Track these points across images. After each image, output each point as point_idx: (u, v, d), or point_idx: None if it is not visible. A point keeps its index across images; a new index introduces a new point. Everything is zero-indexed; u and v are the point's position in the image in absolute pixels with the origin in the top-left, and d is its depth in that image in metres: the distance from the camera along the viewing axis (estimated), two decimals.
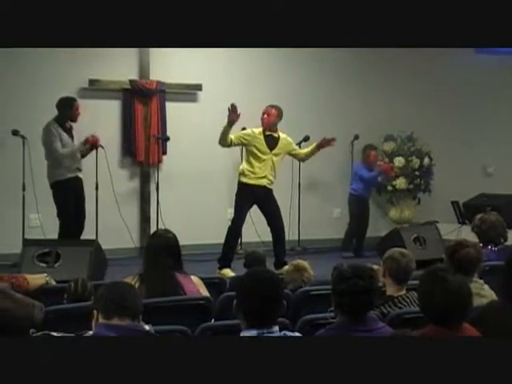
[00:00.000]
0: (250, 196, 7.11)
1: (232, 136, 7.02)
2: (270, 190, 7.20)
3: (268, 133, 7.18)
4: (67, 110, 7.10)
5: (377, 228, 9.03)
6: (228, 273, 6.82)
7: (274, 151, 7.16)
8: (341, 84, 9.18)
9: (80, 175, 7.21)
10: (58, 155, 6.99)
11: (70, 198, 7.10)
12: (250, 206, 7.23)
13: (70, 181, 7.08)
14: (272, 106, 7.28)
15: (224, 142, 6.98)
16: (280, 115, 7.28)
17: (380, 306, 3.77)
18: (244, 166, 7.16)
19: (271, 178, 7.16)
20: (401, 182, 9.04)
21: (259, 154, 7.09)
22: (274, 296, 2.83)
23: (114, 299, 2.80)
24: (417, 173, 9.14)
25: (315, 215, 8.95)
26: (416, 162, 9.10)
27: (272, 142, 7.18)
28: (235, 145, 7.17)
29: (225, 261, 7.09)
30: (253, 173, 7.08)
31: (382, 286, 3.88)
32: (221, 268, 7.03)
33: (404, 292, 3.93)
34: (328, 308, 3.17)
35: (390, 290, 3.95)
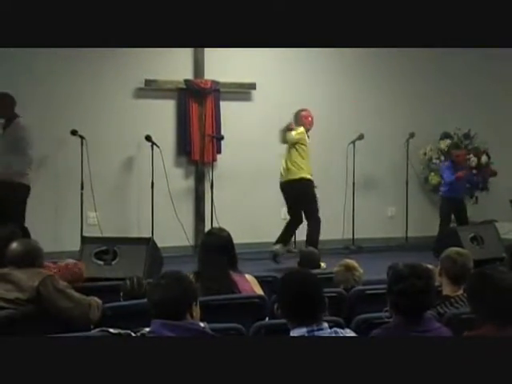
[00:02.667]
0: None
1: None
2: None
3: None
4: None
5: (433, 227, 8.90)
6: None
7: None
8: (396, 82, 9.08)
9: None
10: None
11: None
12: None
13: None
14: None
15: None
16: None
17: (436, 306, 3.71)
18: (306, 163, 7.42)
19: None
20: None
21: (307, 151, 7.47)
22: (310, 294, 2.84)
23: (156, 303, 2.81)
24: (474, 171, 8.97)
25: (369, 214, 8.88)
26: (473, 160, 8.94)
27: None
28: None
29: None
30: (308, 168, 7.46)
31: (438, 285, 3.83)
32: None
33: (461, 292, 3.86)
34: (383, 307, 3.14)
35: (447, 290, 3.89)
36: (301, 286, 2.85)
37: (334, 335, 2.81)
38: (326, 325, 2.82)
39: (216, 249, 4.22)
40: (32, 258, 3.83)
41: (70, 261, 4.66)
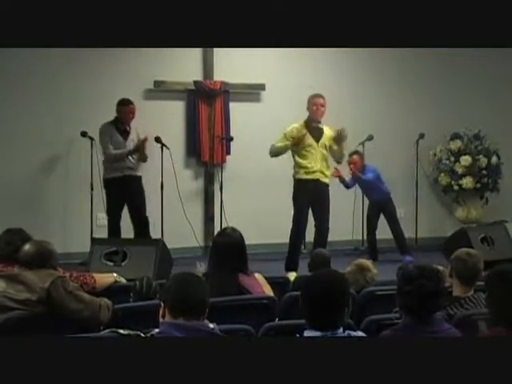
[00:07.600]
0: (306, 192, 6.98)
1: (280, 144, 7.00)
2: (326, 186, 7.07)
3: (314, 125, 7.03)
4: (118, 112, 7.42)
5: (443, 228, 8.88)
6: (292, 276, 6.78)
7: (320, 143, 7.00)
8: (406, 82, 9.06)
9: (134, 173, 7.43)
10: (107, 155, 7.31)
11: (114, 196, 7.35)
12: (309, 203, 7.06)
13: (116, 180, 7.30)
14: (321, 96, 7.06)
15: (276, 155, 7.09)
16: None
17: (446, 307, 3.70)
18: (296, 161, 7.03)
19: (325, 171, 7.02)
20: (468, 182, 8.87)
21: (308, 148, 6.95)
22: (339, 299, 2.81)
23: (182, 299, 2.80)
24: (484, 172, 8.94)
25: None
26: (483, 160, 8.91)
27: (318, 133, 7.03)
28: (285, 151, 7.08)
29: (290, 264, 6.97)
30: (305, 167, 6.97)
31: (448, 286, 3.82)
32: (287, 271, 6.89)
33: (471, 293, 3.85)
34: (393, 308, 3.13)
35: (457, 291, 3.88)
36: (331, 290, 2.79)
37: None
38: (340, 330, 2.80)
39: (227, 249, 4.21)
40: (43, 259, 3.84)
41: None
